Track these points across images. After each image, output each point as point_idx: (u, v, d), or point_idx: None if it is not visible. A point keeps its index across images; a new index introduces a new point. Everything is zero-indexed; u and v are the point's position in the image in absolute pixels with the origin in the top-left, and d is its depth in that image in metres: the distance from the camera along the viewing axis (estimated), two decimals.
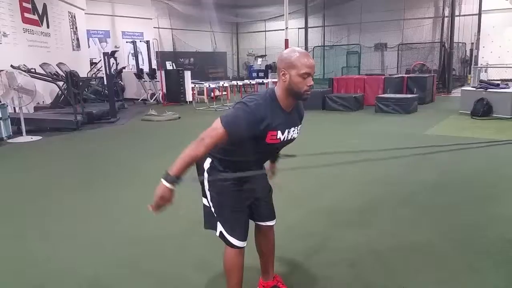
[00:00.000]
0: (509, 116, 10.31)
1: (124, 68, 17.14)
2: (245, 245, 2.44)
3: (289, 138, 2.32)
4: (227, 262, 2.46)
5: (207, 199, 2.46)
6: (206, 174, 2.40)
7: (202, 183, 2.45)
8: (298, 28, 24.33)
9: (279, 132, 2.23)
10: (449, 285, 2.94)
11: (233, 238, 2.39)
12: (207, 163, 2.39)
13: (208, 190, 2.42)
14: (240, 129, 2.12)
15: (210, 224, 2.52)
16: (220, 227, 2.41)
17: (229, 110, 2.21)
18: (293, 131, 2.33)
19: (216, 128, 2.13)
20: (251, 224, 2.59)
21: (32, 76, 9.87)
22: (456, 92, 16.18)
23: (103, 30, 20.29)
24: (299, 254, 3.44)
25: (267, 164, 2.65)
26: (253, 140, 2.18)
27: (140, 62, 17.01)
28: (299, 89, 2.16)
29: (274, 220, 2.68)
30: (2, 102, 9.00)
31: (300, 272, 3.17)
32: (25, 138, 9.02)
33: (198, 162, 2.45)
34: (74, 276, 3.17)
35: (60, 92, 12.16)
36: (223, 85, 15.98)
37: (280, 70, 2.18)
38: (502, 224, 4.03)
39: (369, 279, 3.05)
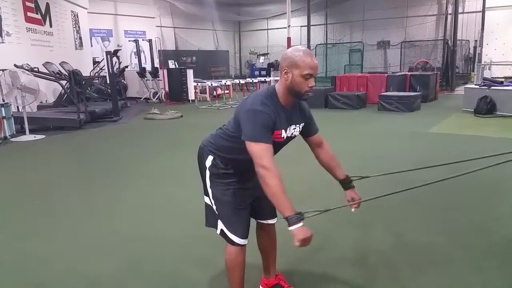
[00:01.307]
0: None
1: (126, 67, 17.14)
2: (246, 242, 2.44)
3: (290, 136, 2.32)
4: (229, 260, 2.46)
5: (209, 197, 2.46)
6: (207, 172, 2.40)
7: (204, 181, 2.45)
8: (301, 26, 24.29)
9: (282, 131, 2.24)
10: (453, 285, 2.92)
11: (234, 236, 2.39)
12: (209, 161, 2.39)
13: (210, 188, 2.42)
14: (267, 131, 2.12)
15: (211, 222, 2.52)
16: (221, 225, 2.41)
17: (244, 126, 2.15)
18: (293, 128, 2.33)
19: (255, 150, 2.09)
20: (253, 222, 2.59)
21: (35, 75, 9.88)
22: (460, 90, 16.11)
23: (106, 29, 20.31)
24: (302, 252, 3.41)
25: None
26: None
27: (143, 60, 17.01)
28: (300, 90, 2.15)
29: (276, 218, 2.67)
30: (6, 101, 9.02)
31: (303, 270, 3.17)
32: (28, 137, 9.04)
33: (200, 160, 2.45)
34: (76, 275, 3.18)
35: (63, 91, 12.18)
36: (225, 83, 15.98)
37: (283, 69, 2.17)
38: (506, 223, 4.01)
39: (371, 278, 3.05)
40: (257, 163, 2.07)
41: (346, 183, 2.60)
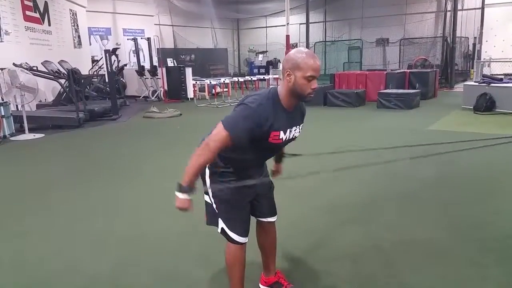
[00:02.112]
0: None
1: (125, 65, 17.13)
2: (246, 240, 2.44)
3: (290, 137, 2.32)
4: (229, 258, 2.47)
5: (209, 196, 2.46)
6: (207, 171, 2.40)
7: (204, 180, 2.45)
8: (299, 24, 24.28)
9: (281, 132, 2.23)
10: (451, 281, 2.93)
11: (234, 234, 2.39)
12: None
13: (210, 186, 2.42)
14: (242, 131, 2.12)
15: (212, 220, 2.52)
16: (221, 223, 2.42)
17: (232, 112, 2.21)
18: (294, 130, 2.32)
19: (219, 131, 2.13)
20: (253, 220, 2.59)
21: (34, 74, 9.88)
22: (459, 87, 16.13)
23: (104, 28, 20.29)
24: (301, 250, 3.44)
25: (271, 164, 2.65)
26: (256, 140, 2.17)
27: (141, 59, 17.00)
28: (303, 92, 2.15)
29: (276, 216, 2.68)
30: (5, 100, 9.02)
31: (302, 267, 3.17)
32: (27, 136, 9.04)
33: None
34: (75, 272, 3.18)
35: (62, 89, 12.17)
36: (224, 81, 15.97)
37: (286, 71, 2.16)
38: (504, 219, 4.02)
39: (371, 274, 3.05)
40: (209, 139, 2.15)
41: (278, 157, 2.76)
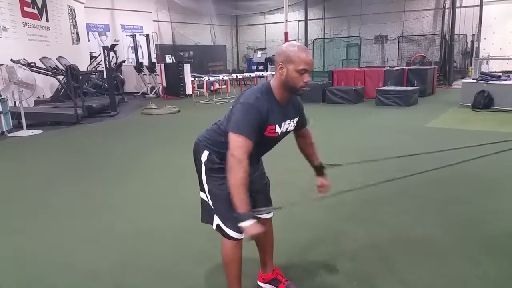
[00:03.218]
0: (511, 108, 10.26)
1: (124, 61, 17.09)
2: (242, 236, 2.43)
3: (284, 130, 2.34)
4: (226, 254, 2.47)
5: (205, 193, 2.46)
6: (203, 167, 2.40)
7: (200, 176, 2.46)
8: (298, 21, 24.24)
9: (277, 126, 2.26)
10: (450, 278, 2.94)
11: (230, 230, 2.39)
12: (204, 156, 2.39)
13: (206, 182, 2.42)
14: (252, 129, 2.14)
15: (207, 217, 2.53)
16: (217, 220, 2.42)
17: (233, 117, 2.19)
18: (288, 123, 2.35)
19: (233, 140, 2.12)
20: None
21: (32, 70, 9.86)
22: (457, 85, 16.13)
23: (103, 24, 20.21)
24: (299, 246, 3.44)
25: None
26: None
27: (140, 55, 16.96)
28: (295, 85, 2.17)
29: (272, 213, 2.68)
30: (3, 96, 9.00)
31: (300, 264, 3.18)
32: (25, 132, 9.03)
33: (195, 155, 2.45)
34: (74, 269, 3.19)
35: (60, 86, 12.13)
36: (222, 78, 15.96)
37: (278, 64, 2.18)
38: (504, 218, 4.03)
39: (369, 272, 3.06)
40: (231, 152, 2.11)
41: (319, 170, 2.71)
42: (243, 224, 2.08)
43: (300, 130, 2.58)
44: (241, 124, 2.13)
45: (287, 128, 2.35)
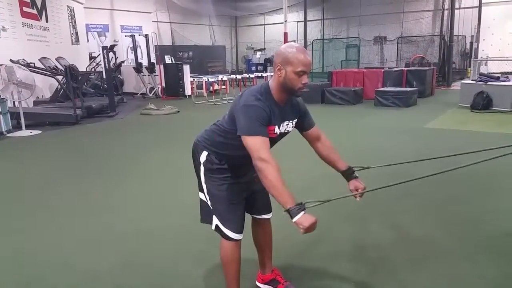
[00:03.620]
0: (509, 109, 10.27)
1: (123, 62, 17.09)
2: (241, 237, 2.44)
3: (283, 131, 2.34)
4: (224, 255, 2.47)
5: (204, 193, 2.47)
6: (202, 167, 2.41)
7: (198, 177, 2.46)
8: (297, 22, 24.27)
9: (276, 126, 2.26)
10: (449, 278, 2.94)
11: (229, 231, 2.39)
12: (203, 156, 2.40)
13: (204, 183, 2.43)
14: (263, 125, 2.13)
15: (206, 218, 2.53)
16: (216, 220, 2.42)
17: (239, 121, 2.16)
18: (287, 124, 2.34)
19: (249, 142, 2.09)
20: (248, 217, 2.60)
21: (31, 70, 9.84)
22: (456, 86, 16.15)
23: (102, 24, 20.21)
24: (298, 247, 3.44)
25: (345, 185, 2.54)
26: None
27: (139, 56, 16.97)
28: (293, 86, 2.17)
29: (271, 213, 2.69)
30: (2, 97, 8.99)
31: (299, 265, 3.18)
32: (24, 132, 9.02)
33: (194, 155, 2.46)
34: (73, 269, 3.19)
35: (59, 86, 12.13)
36: (222, 79, 15.95)
37: (276, 65, 2.18)
38: (503, 218, 4.03)
39: (368, 272, 3.06)
40: (254, 156, 2.07)
41: (349, 174, 2.56)
42: (295, 219, 1.98)
43: (308, 131, 2.51)
44: (251, 125, 2.11)
45: (285, 129, 2.35)
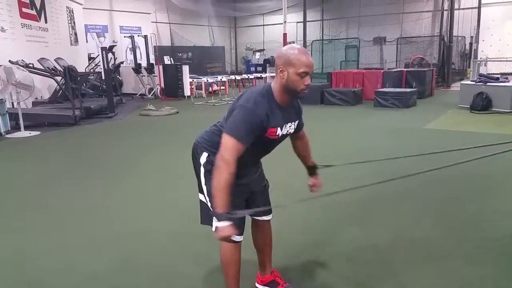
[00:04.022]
0: (509, 110, 10.28)
1: (122, 63, 17.09)
2: (241, 239, 2.44)
3: (285, 133, 2.33)
4: (224, 256, 2.46)
5: (204, 194, 2.45)
6: (202, 169, 2.40)
7: (198, 178, 2.45)
8: (297, 22, 24.26)
9: (278, 128, 2.25)
10: (448, 279, 2.93)
11: None
12: (203, 158, 2.39)
13: (205, 184, 2.41)
14: (247, 133, 2.13)
15: (206, 219, 2.52)
16: (216, 222, 2.40)
17: (230, 118, 2.19)
18: (289, 126, 2.34)
19: (226, 141, 2.12)
20: (248, 219, 2.58)
21: (30, 71, 9.83)
22: (456, 86, 16.16)
23: (101, 25, 20.20)
24: (297, 248, 3.43)
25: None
26: (255, 137, 2.18)
27: (138, 56, 16.95)
28: (296, 88, 2.16)
29: (271, 215, 2.68)
30: (0, 97, 8.97)
31: (299, 266, 3.17)
32: (23, 133, 9.01)
33: (194, 157, 2.45)
34: (71, 270, 3.17)
35: (58, 87, 12.12)
36: (221, 79, 15.95)
37: (278, 67, 2.17)
38: (503, 219, 4.02)
39: (368, 273, 3.05)
40: (221, 152, 2.11)
41: (312, 170, 2.74)
42: (218, 224, 2.07)
43: (297, 133, 2.56)
44: (237, 126, 2.12)
45: (287, 131, 2.34)
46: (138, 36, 17.92)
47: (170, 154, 6.88)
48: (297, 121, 2.41)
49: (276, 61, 2.20)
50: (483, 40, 19.67)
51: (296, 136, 2.60)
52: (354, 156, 6.33)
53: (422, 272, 3.04)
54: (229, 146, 2.10)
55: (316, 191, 2.72)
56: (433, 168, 2.35)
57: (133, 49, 16.75)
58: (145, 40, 16.85)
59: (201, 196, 2.51)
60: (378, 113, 11.20)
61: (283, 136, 2.34)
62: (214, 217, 2.10)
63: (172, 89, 15.87)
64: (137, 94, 16.93)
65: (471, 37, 20.25)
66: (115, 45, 17.23)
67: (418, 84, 13.82)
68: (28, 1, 12.77)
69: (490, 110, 10.55)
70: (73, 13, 16.27)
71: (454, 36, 18.43)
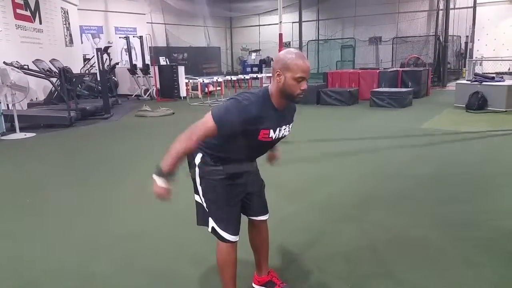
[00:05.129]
0: (504, 109, 10.32)
1: (117, 63, 17.05)
2: (237, 239, 2.43)
3: (280, 136, 2.33)
4: (220, 257, 2.46)
5: (199, 195, 2.45)
6: (197, 169, 2.39)
7: (194, 179, 2.44)
8: (292, 22, 24.27)
9: (271, 131, 2.24)
10: (445, 279, 2.93)
11: (225, 233, 2.38)
12: (198, 158, 2.38)
13: (200, 185, 2.41)
14: (230, 124, 2.12)
15: (202, 220, 2.52)
16: (212, 223, 2.41)
17: (221, 104, 2.21)
18: (284, 129, 2.33)
19: (206, 121, 2.15)
20: (245, 219, 2.57)
21: (25, 73, 9.82)
22: (451, 86, 16.20)
23: (96, 26, 20.17)
24: (295, 248, 3.42)
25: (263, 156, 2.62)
26: (245, 137, 2.19)
27: (134, 57, 16.93)
28: (293, 92, 2.16)
29: (267, 215, 2.67)
30: None
31: (295, 266, 3.16)
32: (18, 135, 8.96)
33: (189, 158, 2.44)
34: (68, 273, 3.16)
35: (53, 88, 12.09)
36: (217, 80, 15.92)
37: (275, 71, 2.17)
38: (497, 217, 4.03)
39: (365, 273, 3.04)
40: (192, 128, 2.19)
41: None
42: (154, 177, 2.24)
43: None
44: (222, 113, 2.14)
45: (282, 134, 2.33)
46: (133, 37, 17.88)
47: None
48: (292, 123, 2.41)
49: (274, 65, 2.21)
50: (479, 40, 19.75)
51: None
52: (354, 156, 6.33)
53: (419, 272, 3.04)
54: (205, 126, 2.16)
55: (273, 163, 2.74)
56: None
57: (129, 50, 16.72)
58: (140, 41, 16.82)
59: (196, 197, 2.51)
60: (374, 113, 11.21)
61: (278, 139, 2.33)
62: (155, 171, 2.26)
63: (168, 90, 15.85)
64: (132, 95, 16.90)
65: (467, 36, 20.30)
66: (110, 46, 17.19)
67: (413, 84, 13.86)
68: (22, 2, 12.73)
69: (485, 110, 10.58)
70: (68, 14, 16.23)
71: (450, 35, 18.48)
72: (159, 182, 2.23)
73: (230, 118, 2.12)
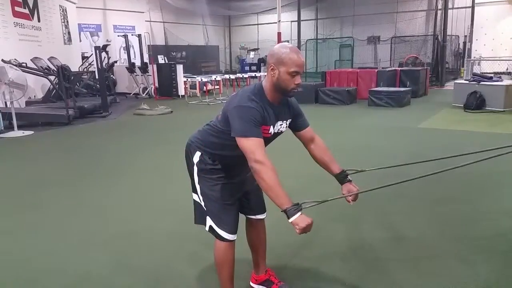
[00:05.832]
0: (502, 109, 10.34)
1: (116, 62, 17.03)
2: (235, 238, 2.43)
3: (277, 131, 2.33)
4: (218, 256, 2.46)
5: (197, 194, 2.45)
6: (195, 168, 2.39)
7: (192, 178, 2.44)
8: (291, 21, 24.28)
9: (270, 126, 2.25)
10: (442, 278, 2.94)
11: (222, 231, 2.38)
12: (196, 157, 2.38)
13: (198, 184, 2.41)
14: (257, 126, 2.12)
15: (200, 219, 2.52)
16: (209, 221, 2.41)
17: (233, 122, 2.14)
18: (280, 124, 2.33)
19: (245, 144, 2.08)
20: (242, 218, 2.58)
21: (23, 71, 9.79)
22: (449, 85, 16.21)
23: (95, 24, 20.13)
24: (292, 247, 3.43)
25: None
26: None
27: (132, 56, 16.90)
28: (286, 87, 2.16)
29: (265, 214, 2.68)
30: None
31: (293, 265, 3.17)
32: (16, 133, 8.96)
33: (187, 156, 2.44)
34: (64, 271, 3.16)
35: (51, 86, 12.06)
36: (215, 79, 15.93)
37: (270, 65, 2.18)
38: (494, 217, 4.04)
39: (361, 272, 3.05)
40: (250, 158, 2.06)
41: (342, 177, 2.51)
42: (292, 220, 1.99)
43: (301, 132, 2.48)
44: (245, 127, 2.09)
45: (279, 129, 2.33)
46: (132, 35, 17.87)
47: (164, 154, 6.87)
48: (289, 120, 2.40)
49: (268, 59, 2.20)
50: (477, 39, 19.75)
51: (305, 138, 2.50)
52: (353, 155, 6.33)
53: (416, 271, 3.05)
54: (252, 148, 2.06)
55: (355, 200, 2.52)
56: (439, 171, 2.34)
57: (127, 48, 16.69)
58: (139, 39, 16.80)
59: (194, 196, 2.50)
60: (372, 112, 11.22)
61: (275, 135, 2.33)
62: (290, 216, 2.00)
63: (166, 88, 15.84)
64: (131, 93, 16.89)
65: (465, 36, 20.32)
66: (109, 44, 17.15)
67: (412, 83, 13.86)
68: (20, 0, 12.69)
69: (483, 109, 10.59)
70: (66, 12, 16.18)
71: (448, 35, 18.49)
72: (300, 218, 1.99)
73: (250, 123, 2.09)
